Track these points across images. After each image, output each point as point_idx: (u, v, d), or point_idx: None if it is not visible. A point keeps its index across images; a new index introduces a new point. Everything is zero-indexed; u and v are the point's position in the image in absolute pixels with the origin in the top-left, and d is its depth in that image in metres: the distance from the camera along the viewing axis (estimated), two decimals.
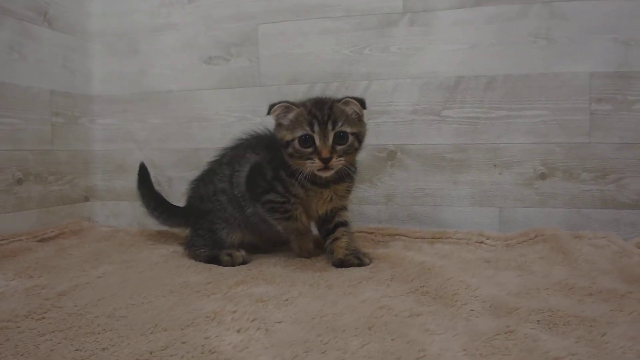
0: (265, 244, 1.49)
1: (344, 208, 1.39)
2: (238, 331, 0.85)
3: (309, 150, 1.23)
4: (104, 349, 0.80)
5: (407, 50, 1.71)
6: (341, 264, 1.29)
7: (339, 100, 1.28)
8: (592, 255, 1.28)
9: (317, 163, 1.22)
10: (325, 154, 1.21)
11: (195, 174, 1.92)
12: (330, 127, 1.21)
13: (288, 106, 1.27)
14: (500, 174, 1.65)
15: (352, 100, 1.27)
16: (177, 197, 1.93)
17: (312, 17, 1.79)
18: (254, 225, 1.41)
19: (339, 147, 1.23)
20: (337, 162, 1.23)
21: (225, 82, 1.90)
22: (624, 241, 1.39)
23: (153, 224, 1.85)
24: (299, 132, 1.23)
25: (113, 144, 2.05)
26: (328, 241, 1.36)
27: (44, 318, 0.94)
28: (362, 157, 1.75)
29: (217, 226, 1.41)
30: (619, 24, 1.54)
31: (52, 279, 1.20)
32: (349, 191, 1.37)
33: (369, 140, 1.74)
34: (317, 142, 1.22)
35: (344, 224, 1.37)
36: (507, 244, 1.46)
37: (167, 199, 1.84)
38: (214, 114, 1.92)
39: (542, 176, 1.62)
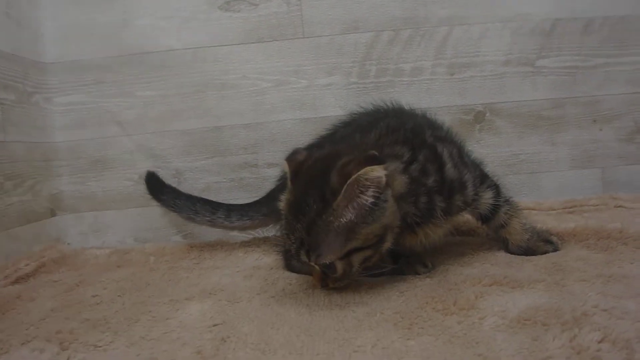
0: None
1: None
2: None
3: None
4: None
5: None
6: (527, 251, 0.98)
7: (342, 180, 0.76)
8: None
9: None
10: (315, 281, 0.87)
11: (218, 161, 1.45)
12: (304, 257, 0.82)
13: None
14: (600, 130, 1.46)
15: (362, 186, 0.76)
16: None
17: None
18: None
19: (331, 275, 0.84)
20: (338, 284, 0.86)
21: (253, 34, 1.41)
22: None
23: (161, 237, 1.35)
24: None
25: (83, 130, 1.42)
26: (490, 230, 1.03)
27: None
28: (444, 122, 1.44)
29: None
30: None
31: (135, 346, 0.69)
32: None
33: (452, 100, 1.44)
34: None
35: (501, 202, 1.00)
36: None
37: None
38: (239, 78, 1.42)
39: None
